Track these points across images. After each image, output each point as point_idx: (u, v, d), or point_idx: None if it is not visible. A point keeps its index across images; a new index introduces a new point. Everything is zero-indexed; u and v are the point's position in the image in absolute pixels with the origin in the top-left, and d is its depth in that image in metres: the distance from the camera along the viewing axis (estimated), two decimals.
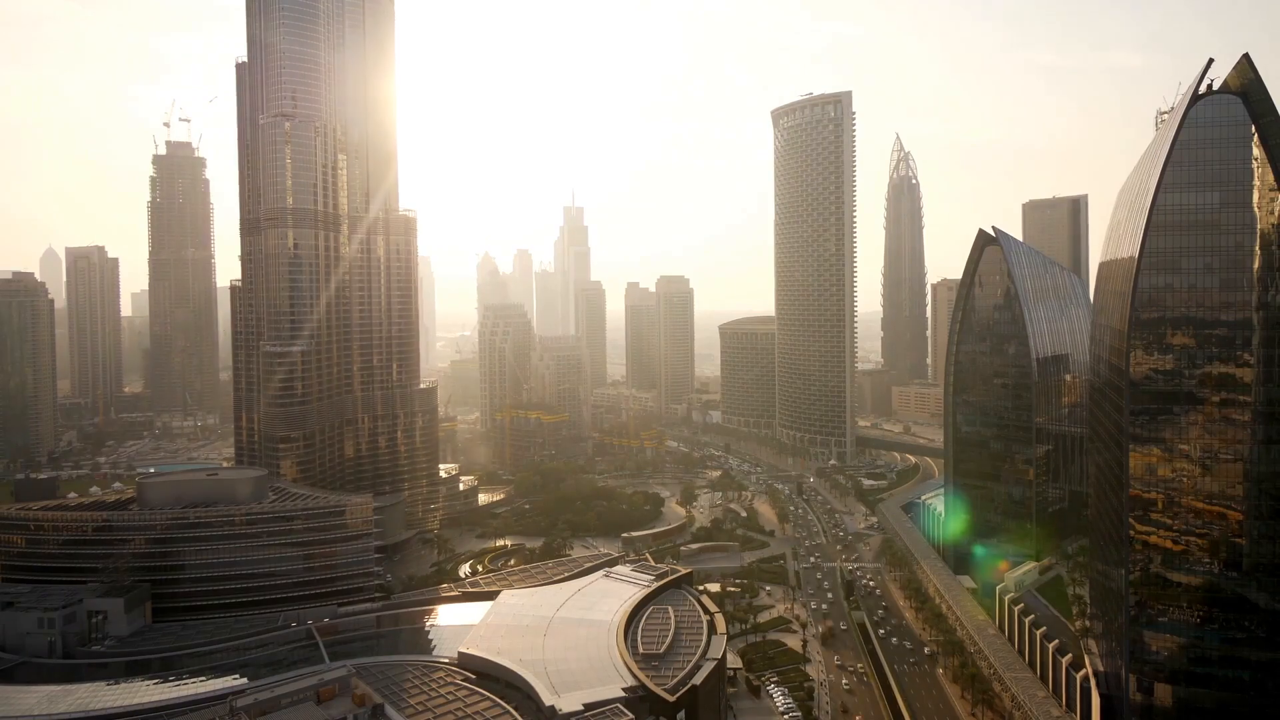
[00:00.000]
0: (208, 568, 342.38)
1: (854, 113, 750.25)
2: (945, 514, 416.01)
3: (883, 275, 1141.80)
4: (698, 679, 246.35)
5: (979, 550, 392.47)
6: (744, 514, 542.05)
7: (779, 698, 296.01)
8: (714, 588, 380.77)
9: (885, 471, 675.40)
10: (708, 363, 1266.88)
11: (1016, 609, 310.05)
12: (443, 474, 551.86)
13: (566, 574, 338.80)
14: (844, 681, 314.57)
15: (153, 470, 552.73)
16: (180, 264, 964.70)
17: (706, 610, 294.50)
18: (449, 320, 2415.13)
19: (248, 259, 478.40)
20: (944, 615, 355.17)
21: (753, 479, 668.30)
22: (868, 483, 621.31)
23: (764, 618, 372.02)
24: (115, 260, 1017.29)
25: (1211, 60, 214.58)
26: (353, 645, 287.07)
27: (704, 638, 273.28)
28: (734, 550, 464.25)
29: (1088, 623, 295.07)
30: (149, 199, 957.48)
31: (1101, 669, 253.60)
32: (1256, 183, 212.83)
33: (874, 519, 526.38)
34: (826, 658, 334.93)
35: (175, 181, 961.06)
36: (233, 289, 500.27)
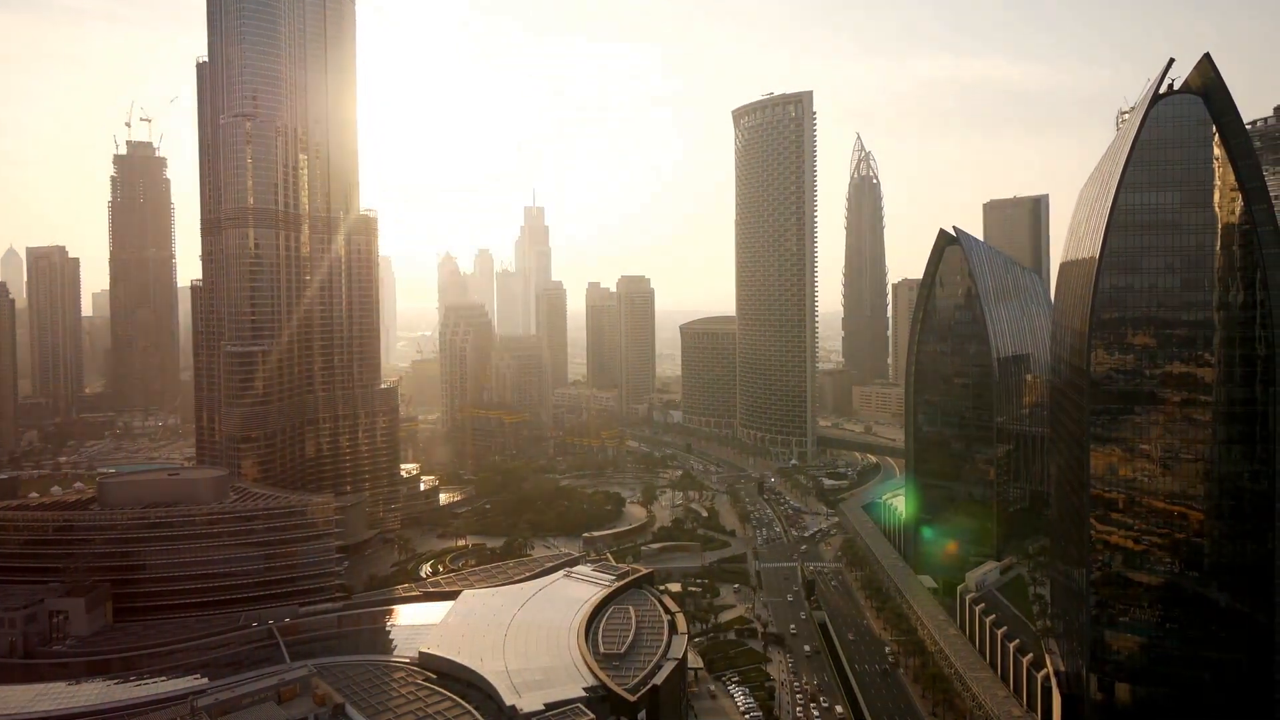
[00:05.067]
0: (169, 568, 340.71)
1: (815, 112, 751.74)
2: (906, 514, 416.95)
3: (843, 275, 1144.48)
4: (659, 679, 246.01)
5: (940, 550, 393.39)
6: (705, 514, 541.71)
7: (740, 697, 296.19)
8: (675, 587, 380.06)
9: (846, 471, 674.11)
10: (669, 362, 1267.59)
11: (978, 609, 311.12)
12: (404, 474, 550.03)
13: (527, 574, 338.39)
14: (805, 681, 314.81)
15: (114, 470, 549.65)
16: (141, 264, 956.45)
17: (667, 610, 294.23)
18: (410, 320, 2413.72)
19: (209, 259, 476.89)
20: (905, 615, 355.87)
21: (714, 479, 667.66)
22: (829, 482, 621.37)
23: (725, 617, 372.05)
24: (76, 260, 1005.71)
25: (1172, 60, 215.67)
26: (314, 645, 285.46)
27: (665, 637, 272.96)
28: (695, 550, 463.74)
29: (1049, 622, 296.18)
30: (110, 199, 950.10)
31: (1062, 668, 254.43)
32: (1217, 182, 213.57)
33: (835, 518, 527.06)
34: (787, 658, 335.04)
35: (136, 181, 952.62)
36: (194, 289, 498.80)
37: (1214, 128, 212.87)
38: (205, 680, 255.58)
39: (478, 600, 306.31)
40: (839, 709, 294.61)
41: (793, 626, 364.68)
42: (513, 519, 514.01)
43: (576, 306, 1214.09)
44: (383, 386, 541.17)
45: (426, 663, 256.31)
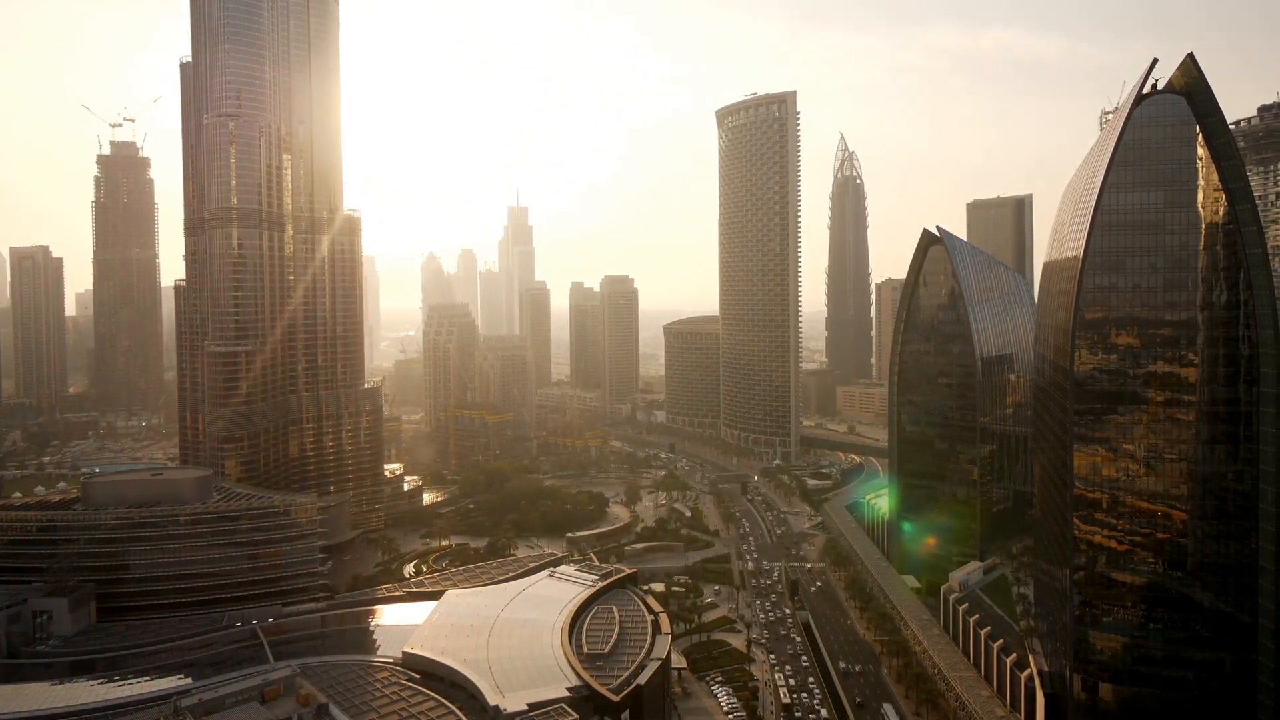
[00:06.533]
0: (153, 567, 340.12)
1: (798, 112, 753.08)
2: (889, 513, 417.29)
3: (827, 275, 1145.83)
4: (642, 679, 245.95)
5: (923, 550, 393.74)
6: (688, 514, 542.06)
7: (723, 697, 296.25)
8: (658, 587, 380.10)
9: (830, 471, 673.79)
10: (652, 362, 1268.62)
11: (961, 609, 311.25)
12: (387, 474, 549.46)
13: (511, 574, 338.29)
14: (788, 681, 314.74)
15: (97, 470, 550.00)
16: (125, 264, 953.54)
17: (651, 610, 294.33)
18: (394, 320, 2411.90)
19: (192, 258, 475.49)
20: (888, 615, 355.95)
21: (697, 479, 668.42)
22: (812, 482, 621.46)
23: (708, 617, 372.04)
24: (60, 260, 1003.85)
25: (1156, 60, 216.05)
26: (297, 645, 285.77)
27: (648, 638, 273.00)
28: (678, 550, 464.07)
29: (1032, 622, 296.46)
30: (93, 199, 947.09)
31: (1046, 668, 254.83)
32: (1201, 182, 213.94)
33: (818, 518, 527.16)
34: (770, 658, 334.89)
35: (120, 181, 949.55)
36: (177, 289, 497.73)
37: (1198, 127, 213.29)
38: (189, 680, 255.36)
39: (461, 600, 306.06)
40: (822, 709, 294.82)
41: (777, 628, 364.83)
42: (496, 519, 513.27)
43: (560, 306, 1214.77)
44: (366, 386, 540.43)
45: (410, 663, 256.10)
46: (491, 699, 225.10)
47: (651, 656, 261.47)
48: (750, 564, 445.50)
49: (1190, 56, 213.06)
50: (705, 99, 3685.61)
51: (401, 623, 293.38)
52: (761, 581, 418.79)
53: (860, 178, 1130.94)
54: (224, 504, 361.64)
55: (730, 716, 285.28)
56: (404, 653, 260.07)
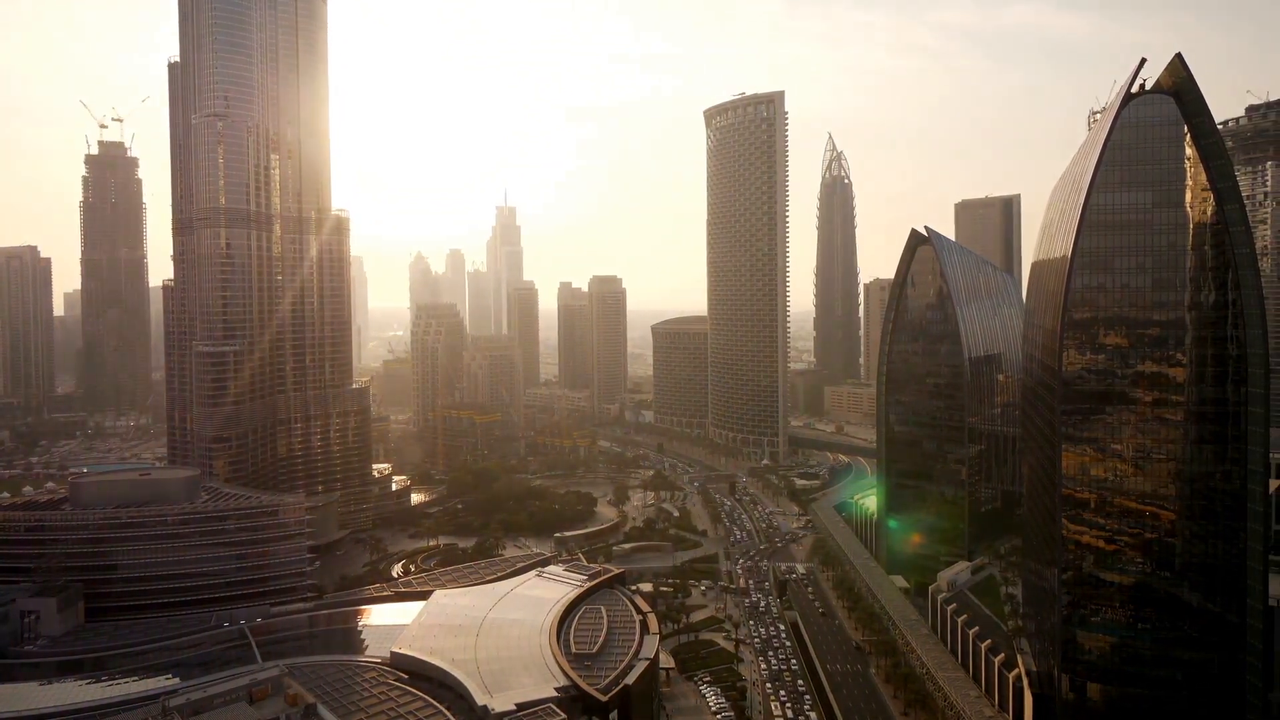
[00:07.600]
0: (141, 567, 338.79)
1: (786, 112, 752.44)
2: (878, 513, 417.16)
3: (815, 275, 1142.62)
4: (630, 679, 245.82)
5: (911, 550, 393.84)
6: (676, 514, 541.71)
7: (711, 697, 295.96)
8: (647, 587, 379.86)
9: (818, 471, 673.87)
10: (640, 362, 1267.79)
11: (949, 609, 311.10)
12: (375, 474, 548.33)
13: (499, 574, 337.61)
14: (776, 681, 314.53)
15: (85, 470, 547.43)
16: (113, 264, 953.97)
17: (639, 610, 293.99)
18: (382, 319, 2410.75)
19: (180, 259, 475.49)
20: (877, 615, 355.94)
21: (685, 479, 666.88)
22: (800, 482, 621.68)
23: (696, 617, 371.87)
24: (48, 260, 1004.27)
25: (1144, 60, 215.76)
26: (285, 645, 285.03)
27: (636, 637, 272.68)
28: (666, 550, 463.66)
29: (1020, 622, 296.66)
30: (81, 199, 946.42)
31: (1034, 668, 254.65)
32: (1189, 182, 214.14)
33: (807, 518, 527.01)
34: (758, 658, 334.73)
35: (108, 181, 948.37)
36: (165, 289, 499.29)
37: (1186, 127, 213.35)
38: (177, 680, 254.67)
39: (449, 600, 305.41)
40: (810, 710, 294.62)
41: (765, 628, 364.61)
42: (484, 519, 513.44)
43: (548, 306, 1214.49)
44: (354, 386, 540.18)
45: (398, 663, 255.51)
46: (479, 699, 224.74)
47: (640, 656, 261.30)
48: (738, 564, 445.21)
49: (1178, 57, 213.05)
50: (702, 93, 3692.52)
51: (389, 623, 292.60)
52: (750, 581, 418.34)
53: (848, 177, 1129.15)
54: (212, 504, 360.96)
55: (719, 716, 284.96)
56: (392, 653, 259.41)
